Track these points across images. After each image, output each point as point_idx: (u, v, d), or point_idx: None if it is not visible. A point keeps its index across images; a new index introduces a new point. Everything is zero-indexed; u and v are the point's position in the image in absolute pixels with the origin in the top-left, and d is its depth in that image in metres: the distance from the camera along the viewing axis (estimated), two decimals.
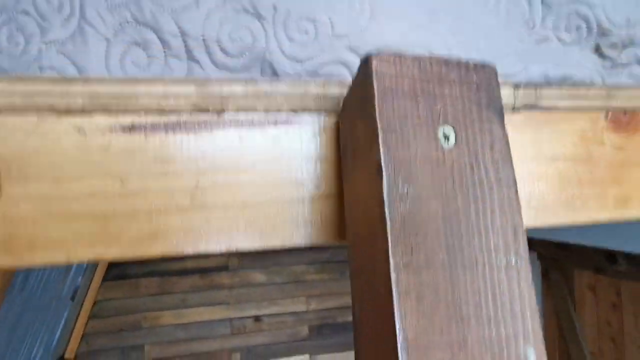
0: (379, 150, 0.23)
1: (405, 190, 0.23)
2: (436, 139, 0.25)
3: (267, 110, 0.30)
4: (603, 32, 0.58)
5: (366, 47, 0.48)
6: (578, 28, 0.58)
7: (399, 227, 0.22)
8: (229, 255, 2.22)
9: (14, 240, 0.26)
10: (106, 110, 0.27)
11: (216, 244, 0.30)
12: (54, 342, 1.61)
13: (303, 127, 0.31)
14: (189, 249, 0.29)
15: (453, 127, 0.25)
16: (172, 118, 0.29)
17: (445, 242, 0.23)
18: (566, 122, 0.39)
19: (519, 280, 0.24)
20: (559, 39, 0.60)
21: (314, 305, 2.32)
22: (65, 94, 0.27)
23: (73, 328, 1.90)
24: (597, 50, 0.60)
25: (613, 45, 0.59)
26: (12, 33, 0.36)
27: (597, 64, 0.61)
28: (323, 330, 2.32)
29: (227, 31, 0.45)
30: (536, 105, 0.38)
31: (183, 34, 0.43)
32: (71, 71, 0.42)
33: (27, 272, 1.29)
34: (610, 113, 0.41)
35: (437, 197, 0.24)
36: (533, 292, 0.24)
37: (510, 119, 0.37)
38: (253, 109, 0.30)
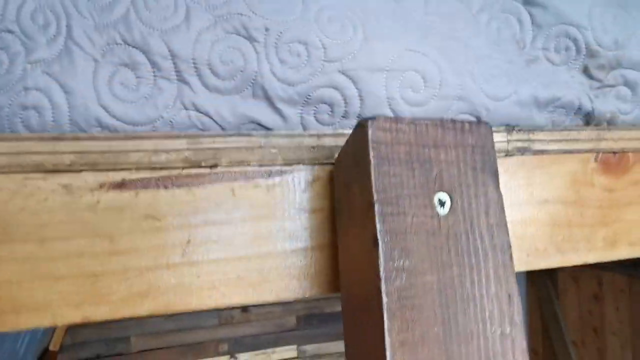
0: (375, 222, 0.23)
1: (402, 264, 0.23)
2: (432, 206, 0.25)
3: (260, 164, 0.30)
4: (591, 54, 0.59)
5: (358, 71, 0.48)
6: (567, 49, 0.59)
7: (395, 302, 0.22)
8: None
9: None
10: (95, 167, 0.27)
11: (207, 299, 0.29)
12: (39, 335, 1.58)
13: (296, 178, 0.31)
14: (180, 306, 0.28)
15: (449, 193, 0.25)
16: (164, 173, 0.28)
17: (440, 314, 0.23)
18: (557, 165, 0.40)
19: (513, 350, 0.24)
20: (549, 59, 0.60)
21: None
22: (53, 152, 0.26)
23: None
24: (586, 71, 0.61)
25: (601, 67, 0.60)
26: None
27: (584, 84, 0.62)
28: (311, 321, 2.32)
29: (218, 53, 0.44)
30: (528, 148, 0.38)
31: (173, 56, 0.42)
32: (57, 92, 0.41)
33: None
34: (600, 155, 0.41)
35: (432, 267, 0.24)
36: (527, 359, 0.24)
37: (503, 163, 0.37)
38: (246, 163, 0.29)
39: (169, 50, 0.41)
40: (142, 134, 0.27)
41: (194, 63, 0.43)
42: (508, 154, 0.37)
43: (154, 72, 0.42)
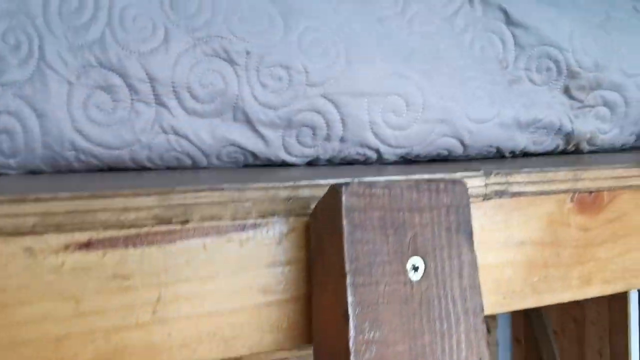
0: (346, 294, 0.22)
1: (372, 336, 0.23)
2: (405, 272, 0.24)
3: (234, 218, 0.29)
4: (572, 75, 0.60)
5: (341, 95, 0.48)
6: (548, 69, 0.59)
7: None
8: None
9: None
10: (60, 228, 0.26)
11: (178, 356, 0.29)
12: None
13: (271, 231, 0.30)
14: None
15: (423, 257, 0.25)
16: (133, 231, 0.27)
17: None
18: (534, 206, 0.40)
19: None
20: (531, 80, 0.61)
21: None
22: (14, 214, 0.25)
23: None
24: (567, 91, 0.62)
25: (581, 88, 0.61)
26: None
27: (565, 105, 0.62)
28: None
29: (197, 76, 0.43)
30: (506, 191, 0.38)
31: (151, 79, 0.41)
32: (29, 116, 0.39)
33: None
34: (576, 195, 0.42)
35: (404, 337, 0.23)
36: None
37: (481, 207, 0.37)
38: (219, 218, 0.29)
39: (147, 74, 0.40)
40: (109, 193, 0.26)
41: (173, 86, 0.42)
42: (486, 197, 0.37)
43: (131, 95, 0.41)
